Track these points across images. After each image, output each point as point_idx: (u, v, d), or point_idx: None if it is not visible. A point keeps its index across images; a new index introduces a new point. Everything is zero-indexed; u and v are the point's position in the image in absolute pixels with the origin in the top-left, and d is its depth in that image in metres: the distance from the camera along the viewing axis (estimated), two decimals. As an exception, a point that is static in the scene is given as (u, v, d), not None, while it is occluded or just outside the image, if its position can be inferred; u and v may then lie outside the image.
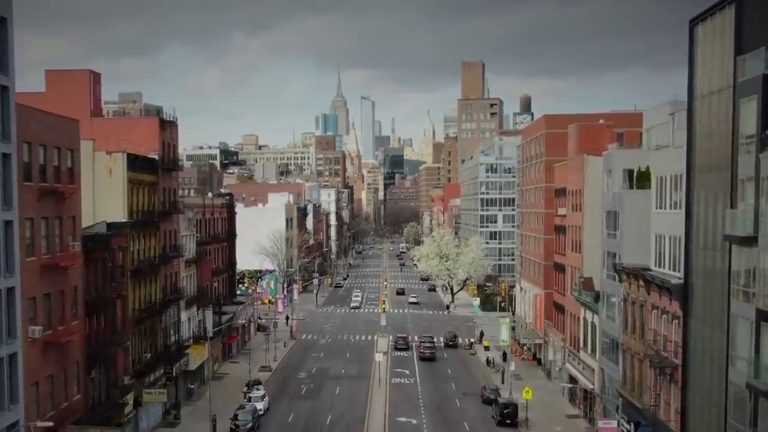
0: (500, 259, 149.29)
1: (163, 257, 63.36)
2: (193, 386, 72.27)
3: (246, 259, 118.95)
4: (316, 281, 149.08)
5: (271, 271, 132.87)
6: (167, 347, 64.89)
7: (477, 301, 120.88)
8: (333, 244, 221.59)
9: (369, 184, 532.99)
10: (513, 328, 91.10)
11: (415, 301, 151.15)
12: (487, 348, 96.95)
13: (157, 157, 62.78)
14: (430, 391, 76.22)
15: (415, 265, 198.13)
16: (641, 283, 49.39)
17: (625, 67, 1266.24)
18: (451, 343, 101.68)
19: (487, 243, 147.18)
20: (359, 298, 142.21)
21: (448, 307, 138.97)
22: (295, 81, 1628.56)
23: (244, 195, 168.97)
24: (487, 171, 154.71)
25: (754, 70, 33.36)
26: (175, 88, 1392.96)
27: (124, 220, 55.06)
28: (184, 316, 70.50)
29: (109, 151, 55.78)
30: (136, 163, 57.88)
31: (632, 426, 51.46)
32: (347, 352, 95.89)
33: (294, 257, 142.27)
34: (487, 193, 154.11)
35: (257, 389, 71.91)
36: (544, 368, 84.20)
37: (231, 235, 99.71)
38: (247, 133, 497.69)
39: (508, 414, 63.69)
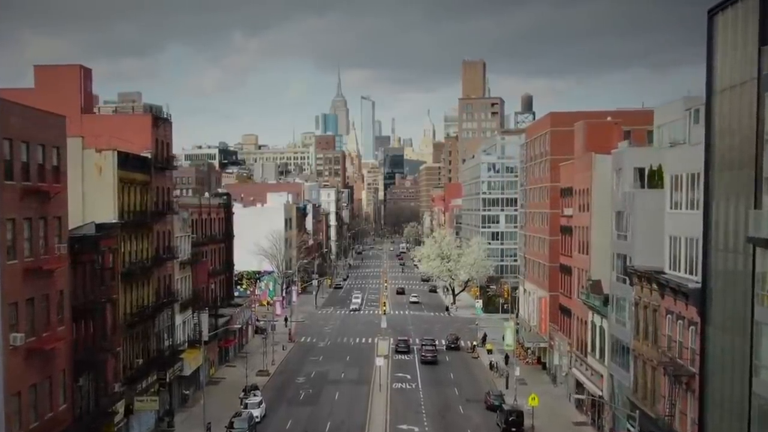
0: (502, 260, 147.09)
1: (156, 259, 61.19)
2: (188, 392, 70.10)
3: (244, 259, 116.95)
4: (315, 282, 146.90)
5: (269, 272, 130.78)
6: (161, 352, 62.71)
7: (479, 303, 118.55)
8: (333, 245, 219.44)
9: (369, 184, 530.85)
10: (516, 331, 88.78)
11: (416, 300, 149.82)
12: (490, 351, 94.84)
13: (149, 156, 60.59)
14: (432, 396, 74.05)
15: (415, 265, 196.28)
16: (654, 286, 47.22)
17: (625, 67, 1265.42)
18: (453, 346, 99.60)
19: (489, 244, 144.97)
20: (359, 300, 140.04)
21: (447, 308, 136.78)
22: (295, 81, 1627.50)
23: (242, 195, 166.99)
24: (489, 170, 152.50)
25: (781, 61, 31.16)
26: (175, 88, 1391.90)
27: (114, 221, 52.88)
28: (178, 319, 68.32)
29: (98, 148, 53.62)
30: (127, 161, 55.70)
31: (644, 436, 49.34)
32: (347, 355, 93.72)
33: (293, 258, 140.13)
34: (489, 193, 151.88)
35: (254, 395, 69.82)
36: (549, 373, 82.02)
37: (228, 236, 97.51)
38: (247, 133, 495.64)
39: (514, 422, 61.51)
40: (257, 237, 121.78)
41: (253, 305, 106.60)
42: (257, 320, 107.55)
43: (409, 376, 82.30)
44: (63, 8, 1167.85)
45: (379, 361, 77.62)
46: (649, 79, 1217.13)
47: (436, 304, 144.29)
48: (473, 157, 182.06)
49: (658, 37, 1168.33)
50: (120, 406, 52.52)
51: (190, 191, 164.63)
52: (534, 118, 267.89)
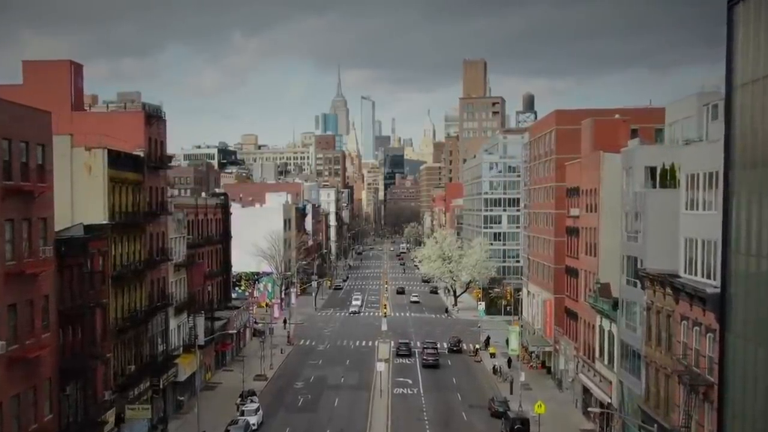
0: (504, 261, 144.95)
1: (149, 261, 59.09)
2: (182, 398, 67.97)
3: (243, 260, 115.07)
4: (314, 284, 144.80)
5: (268, 274, 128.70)
6: (154, 358, 60.61)
7: (482, 306, 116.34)
8: (332, 245, 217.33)
9: (369, 184, 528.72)
10: (520, 334, 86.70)
11: (416, 300, 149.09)
12: (493, 355, 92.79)
13: (142, 154, 58.48)
14: (434, 402, 71.97)
15: (416, 266, 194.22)
16: (668, 290, 45.12)
17: (625, 67, 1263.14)
18: (455, 348, 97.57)
19: (491, 244, 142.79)
20: (359, 302, 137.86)
21: (446, 310, 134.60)
22: (295, 81, 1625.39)
23: (241, 195, 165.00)
24: (490, 170, 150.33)
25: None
26: (175, 88, 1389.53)
27: (104, 222, 50.78)
28: (173, 323, 66.22)
29: (88, 147, 51.51)
30: (118, 160, 53.60)
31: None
32: (347, 359, 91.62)
33: (292, 259, 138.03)
34: (491, 193, 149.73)
35: (251, 401, 67.81)
36: (554, 377, 79.90)
37: (226, 237, 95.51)
38: (247, 133, 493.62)
39: (519, 430, 59.48)
40: (256, 238, 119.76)
41: (251, 307, 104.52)
42: (255, 322, 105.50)
43: (410, 381, 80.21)
44: (63, 8, 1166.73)
45: (380, 366, 75.53)
46: (649, 79, 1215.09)
47: (437, 305, 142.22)
48: (474, 156, 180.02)
49: (657, 37, 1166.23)
50: (110, 415, 50.39)
51: (188, 191, 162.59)
52: (535, 118, 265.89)
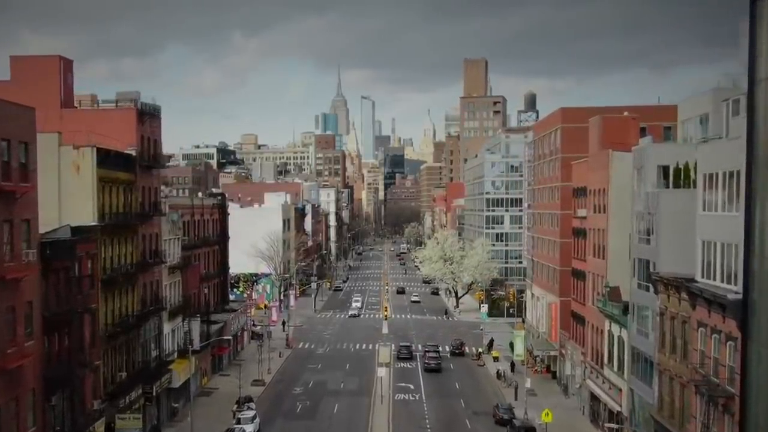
0: (507, 262, 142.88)
1: (141, 264, 56.95)
2: (177, 405, 65.80)
3: (241, 262, 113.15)
4: (314, 285, 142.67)
5: (267, 275, 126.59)
6: (147, 364, 58.48)
7: (485, 308, 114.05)
8: (332, 246, 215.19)
9: (369, 183, 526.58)
10: (525, 338, 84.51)
11: (417, 299, 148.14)
12: (496, 359, 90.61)
13: (134, 153, 56.33)
14: (437, 409, 69.80)
15: (416, 266, 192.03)
16: (684, 296, 42.97)
17: (625, 67, 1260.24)
18: (457, 351, 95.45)
19: (493, 245, 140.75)
20: (359, 303, 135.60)
21: (446, 311, 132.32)
22: (295, 81, 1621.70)
23: (240, 195, 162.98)
24: (493, 170, 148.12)
25: None
26: (175, 88, 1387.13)
27: (93, 224, 48.64)
28: (166, 328, 64.09)
29: (76, 145, 49.37)
30: (108, 159, 51.46)
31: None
32: (347, 363, 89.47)
33: (291, 260, 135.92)
34: (493, 193, 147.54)
35: (248, 407, 65.66)
36: (560, 383, 77.74)
37: (223, 238, 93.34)
38: (247, 133, 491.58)
39: (525, 438, 57.34)
40: (254, 238, 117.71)
41: (249, 309, 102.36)
42: (254, 325, 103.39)
43: (412, 386, 78.06)
44: (63, 8, 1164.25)
45: (381, 372, 73.37)
46: (649, 79, 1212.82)
47: (438, 307, 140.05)
48: (476, 156, 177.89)
49: (657, 37, 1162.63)
50: (100, 425, 48.31)
51: (186, 191, 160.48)
52: (537, 117, 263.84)
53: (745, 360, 34.72)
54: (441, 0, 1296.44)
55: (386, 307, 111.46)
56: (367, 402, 71.44)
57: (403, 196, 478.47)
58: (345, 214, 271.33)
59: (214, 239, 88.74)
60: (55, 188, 48.52)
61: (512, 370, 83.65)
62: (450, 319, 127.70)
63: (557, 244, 79.12)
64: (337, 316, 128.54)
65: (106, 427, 49.45)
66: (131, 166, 55.73)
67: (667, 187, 49.19)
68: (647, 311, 50.34)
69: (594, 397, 63.56)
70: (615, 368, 57.71)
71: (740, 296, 35.87)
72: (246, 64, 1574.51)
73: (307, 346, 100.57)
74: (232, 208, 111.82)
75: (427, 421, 65.73)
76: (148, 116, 59.46)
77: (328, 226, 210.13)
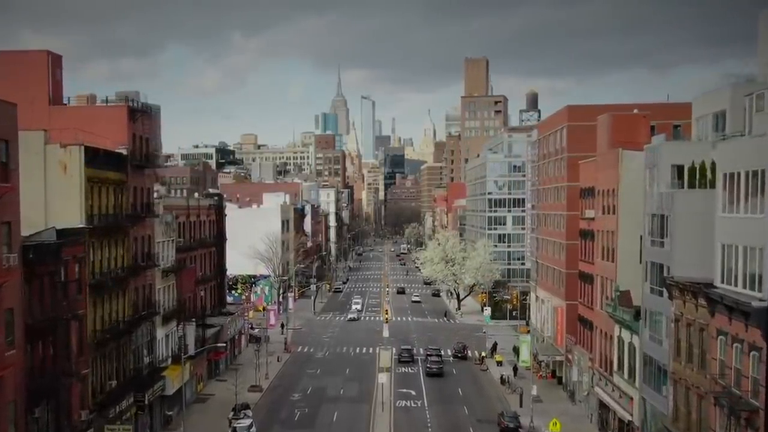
0: (509, 264, 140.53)
1: (132, 268, 54.71)
2: (171, 413, 63.54)
3: (239, 263, 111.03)
4: (313, 287, 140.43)
5: (266, 277, 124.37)
6: (138, 371, 56.25)
7: (488, 311, 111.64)
8: (332, 247, 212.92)
9: (369, 184, 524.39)
10: (531, 344, 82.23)
11: (418, 299, 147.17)
12: (499, 363, 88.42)
13: (125, 152, 54.10)
14: (439, 416, 67.57)
15: (417, 267, 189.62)
16: (702, 302, 40.74)
17: (625, 67, 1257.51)
18: (459, 355, 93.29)
19: (495, 246, 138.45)
20: (359, 306, 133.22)
21: (446, 314, 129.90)
22: (295, 81, 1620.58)
23: (238, 195, 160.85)
24: (495, 170, 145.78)
25: None
26: (175, 88, 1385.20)
27: (81, 226, 46.42)
28: (160, 333, 61.89)
29: (63, 143, 47.15)
30: (97, 158, 49.23)
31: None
32: (346, 367, 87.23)
33: (290, 261, 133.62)
34: (496, 194, 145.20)
35: (245, 415, 63.52)
36: (566, 389, 75.50)
37: (220, 239, 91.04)
38: (246, 133, 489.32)
39: (533, 449, 55.15)
40: (253, 239, 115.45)
41: (247, 312, 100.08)
42: (251, 328, 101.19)
43: (413, 392, 75.80)
44: (63, 8, 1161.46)
45: (382, 378, 71.15)
46: (648, 79, 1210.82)
47: (440, 309, 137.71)
48: (478, 156, 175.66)
49: (657, 37, 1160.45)
50: (88, 437, 46.13)
51: (185, 191, 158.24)
52: (539, 117, 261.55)
53: (772, 372, 32.45)
54: (441, 0, 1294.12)
55: (387, 310, 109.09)
56: (368, 409, 69.24)
57: (403, 197, 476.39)
58: (345, 215, 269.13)
59: (211, 241, 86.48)
60: (41, 189, 46.39)
61: (515, 374, 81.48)
62: (451, 321, 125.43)
63: (563, 245, 76.89)
64: (337, 318, 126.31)
65: (94, 438, 47.28)
66: (122, 166, 53.50)
67: (682, 187, 46.97)
68: (660, 317, 48.14)
69: (603, 405, 61.34)
70: (625, 375, 55.49)
71: (765, 303, 33.71)
72: (246, 64, 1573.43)
73: (306, 350, 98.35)
74: (230, 209, 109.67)
75: (429, 429, 63.55)
76: (139, 113, 57.20)
77: (327, 227, 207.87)
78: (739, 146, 37.91)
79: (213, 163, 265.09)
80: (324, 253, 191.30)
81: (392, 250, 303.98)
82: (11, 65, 54.38)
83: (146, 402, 56.32)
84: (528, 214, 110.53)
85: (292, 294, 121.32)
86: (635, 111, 63.27)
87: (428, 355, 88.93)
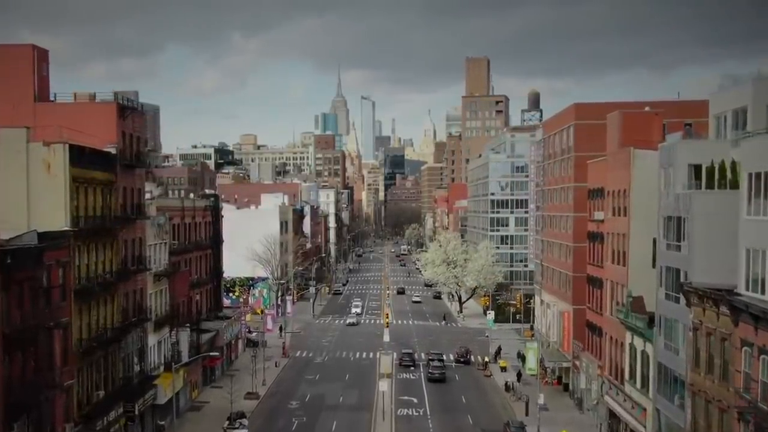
0: (512, 266, 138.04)
1: (122, 272, 52.26)
2: (163, 422, 61.02)
3: (237, 265, 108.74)
4: (312, 289, 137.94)
5: (264, 279, 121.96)
6: (128, 380, 53.85)
7: (491, 315, 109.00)
8: (332, 248, 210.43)
9: (369, 184, 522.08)
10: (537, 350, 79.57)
11: (418, 300, 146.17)
12: (503, 369, 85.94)
13: (114, 151, 51.66)
14: (442, 425, 65.07)
15: (417, 269, 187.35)
16: (724, 310, 38.28)
17: (625, 68, 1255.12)
18: (462, 360, 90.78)
19: (498, 248, 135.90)
20: (358, 309, 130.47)
21: (444, 317, 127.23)
22: (295, 81, 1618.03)
23: (236, 196, 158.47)
24: (497, 170, 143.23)
25: None
26: (175, 88, 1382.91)
27: (65, 228, 43.98)
28: (152, 340, 59.46)
29: (47, 142, 44.70)
30: (83, 157, 46.79)
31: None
32: (346, 373, 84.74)
33: (289, 263, 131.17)
34: (499, 194, 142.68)
35: (240, 424, 61.19)
36: (573, 396, 73.03)
37: (216, 241, 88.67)
38: (246, 133, 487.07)
39: (541, 462, 52.70)
40: (251, 241, 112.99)
41: (244, 316, 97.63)
42: (249, 331, 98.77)
43: (415, 400, 73.29)
44: (62, 8, 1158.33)
45: (383, 386, 68.65)
46: (648, 79, 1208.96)
47: (441, 312, 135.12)
48: (480, 156, 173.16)
49: (657, 37, 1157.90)
50: (72, 451, 43.70)
51: (182, 192, 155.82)
52: (541, 116, 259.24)
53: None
54: (441, 0, 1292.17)
55: (387, 314, 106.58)
56: (368, 418, 66.79)
57: (403, 197, 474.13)
58: (345, 216, 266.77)
59: (207, 243, 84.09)
60: (23, 189, 44.05)
61: (518, 379, 79.08)
62: (453, 324, 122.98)
63: (570, 248, 74.43)
64: (337, 321, 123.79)
65: (80, 452, 44.87)
66: (110, 165, 51.06)
67: (700, 187, 44.54)
68: (677, 325, 45.69)
69: (613, 415, 58.87)
70: (638, 385, 53.02)
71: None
72: (246, 65, 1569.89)
73: (304, 354, 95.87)
74: (228, 210, 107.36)
75: (432, 440, 61.15)
76: (129, 111, 54.75)
77: (327, 228, 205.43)
78: (766, 143, 35.44)
79: (212, 163, 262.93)
80: (323, 254, 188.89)
81: (392, 251, 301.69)
82: (-5, 59, 51.95)
83: (136, 412, 53.87)
84: (532, 215, 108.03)
85: (291, 297, 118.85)
86: (647, 109, 60.79)
87: (430, 359, 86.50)
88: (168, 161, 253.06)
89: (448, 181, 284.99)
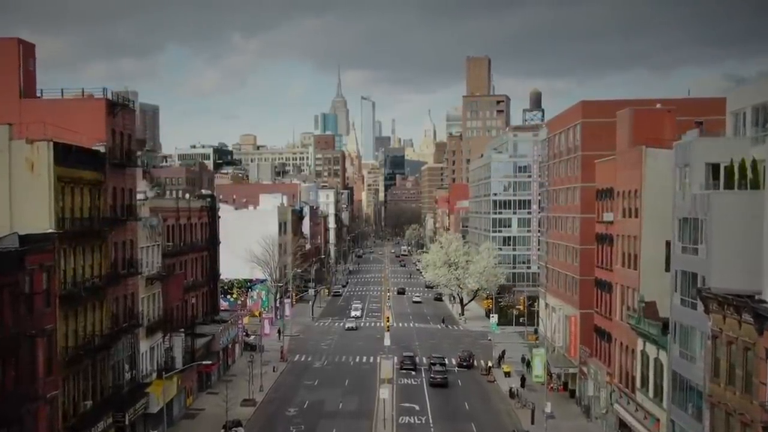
0: (515, 267, 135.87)
1: (111, 276, 50.00)
2: (155, 432, 58.82)
3: (235, 267, 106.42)
4: (312, 291, 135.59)
5: (262, 281, 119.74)
6: (118, 389, 51.63)
7: (494, 318, 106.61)
8: (332, 249, 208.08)
9: (369, 185, 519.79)
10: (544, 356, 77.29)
11: (419, 300, 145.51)
12: (507, 374, 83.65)
13: (103, 149, 49.41)
14: (446, 434, 62.88)
15: (418, 270, 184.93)
16: (747, 317, 36.06)
17: (626, 68, 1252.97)
18: (465, 364, 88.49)
19: (500, 249, 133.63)
20: (358, 312, 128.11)
21: (443, 320, 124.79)
22: (295, 81, 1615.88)
23: (235, 196, 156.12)
24: (499, 170, 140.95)
25: None
26: (174, 88, 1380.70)
27: (49, 231, 41.73)
28: (144, 346, 57.20)
29: (30, 139, 42.47)
30: (70, 155, 44.56)
31: None
32: (346, 378, 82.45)
33: (288, 265, 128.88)
34: (501, 195, 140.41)
35: (236, 433, 58.83)
36: (580, 403, 70.76)
37: (213, 243, 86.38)
38: (246, 133, 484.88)
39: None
40: (249, 242, 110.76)
41: (241, 319, 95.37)
42: (246, 335, 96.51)
43: (417, 407, 70.98)
44: (62, 8, 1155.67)
45: (384, 393, 66.36)
46: (649, 79, 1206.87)
47: (442, 314, 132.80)
48: (481, 156, 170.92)
49: (657, 37, 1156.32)
50: (57, 466, 41.46)
51: (180, 193, 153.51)
52: (543, 116, 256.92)
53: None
54: (441, 0, 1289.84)
55: (388, 317, 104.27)
56: (368, 425, 64.57)
57: (403, 198, 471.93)
58: (344, 216, 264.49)
59: (203, 244, 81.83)
60: (5, 189, 41.90)
61: (522, 384, 76.88)
62: (455, 327, 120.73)
63: (577, 250, 72.20)
64: (336, 324, 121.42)
65: (65, 466, 42.64)
66: (99, 164, 48.81)
67: (718, 188, 42.31)
68: (694, 332, 43.48)
69: (623, 424, 56.60)
70: (650, 394, 50.80)
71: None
72: (246, 65, 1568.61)
73: (303, 358, 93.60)
74: (226, 210, 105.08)
75: (435, 450, 58.90)
76: (119, 108, 52.48)
77: (326, 229, 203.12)
78: (796, 141, 33.23)
79: (210, 163, 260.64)
80: (323, 255, 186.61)
81: (393, 251, 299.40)
82: (-22, 54, 49.71)
83: (127, 422, 51.58)
84: (535, 216, 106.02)
85: (290, 299, 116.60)
86: (658, 106, 58.56)
87: (432, 363, 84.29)
88: (166, 161, 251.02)
89: (449, 182, 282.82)
